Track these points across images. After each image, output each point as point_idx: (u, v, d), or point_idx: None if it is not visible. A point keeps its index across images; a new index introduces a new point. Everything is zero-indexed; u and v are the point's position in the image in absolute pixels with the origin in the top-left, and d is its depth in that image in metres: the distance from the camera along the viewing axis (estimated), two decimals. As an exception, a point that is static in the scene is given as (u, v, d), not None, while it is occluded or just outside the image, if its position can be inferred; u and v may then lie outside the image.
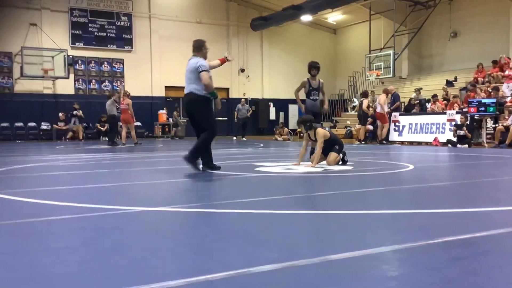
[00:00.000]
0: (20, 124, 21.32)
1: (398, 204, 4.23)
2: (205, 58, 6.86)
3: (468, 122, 13.89)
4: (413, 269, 2.29)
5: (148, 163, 9.11)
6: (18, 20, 21.51)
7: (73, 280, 2.14)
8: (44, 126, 21.67)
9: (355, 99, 24.84)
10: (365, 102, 17.07)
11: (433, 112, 16.28)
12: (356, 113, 19.71)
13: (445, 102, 17.00)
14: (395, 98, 16.99)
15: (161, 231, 3.18)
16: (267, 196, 4.53)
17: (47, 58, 21.10)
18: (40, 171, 7.45)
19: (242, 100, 22.46)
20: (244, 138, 21.30)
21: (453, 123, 14.42)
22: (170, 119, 23.62)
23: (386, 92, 16.36)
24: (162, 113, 23.67)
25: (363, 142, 16.45)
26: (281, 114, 27.24)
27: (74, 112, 21.22)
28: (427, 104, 17.57)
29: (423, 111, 17.16)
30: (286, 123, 25.68)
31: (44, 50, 21.21)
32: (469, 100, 14.79)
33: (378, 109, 16.01)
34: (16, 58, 21.37)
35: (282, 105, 27.46)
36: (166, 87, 24.78)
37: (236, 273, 2.19)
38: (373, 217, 3.62)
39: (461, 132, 13.64)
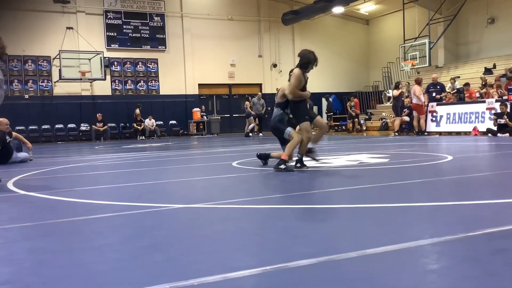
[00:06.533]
0: (60, 125, 21.92)
1: (438, 196, 4.15)
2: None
3: (508, 110, 13.46)
4: (453, 262, 2.24)
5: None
6: (55, 25, 22.09)
7: (114, 277, 2.20)
8: (83, 127, 22.22)
9: (390, 90, 24.43)
10: (396, 93, 16.95)
11: (472, 101, 15.82)
12: (391, 104, 19.41)
13: (484, 90, 16.52)
14: (442, 87, 16.90)
15: (199, 227, 3.22)
16: (302, 191, 4.52)
17: (84, 61, 21.60)
18: (81, 171, 7.65)
19: (259, 94, 21.66)
20: (261, 134, 20.49)
21: (493, 111, 14.00)
22: (205, 117, 23.75)
23: (418, 82, 16.03)
24: (196, 111, 23.87)
25: (396, 134, 16.13)
26: (315, 108, 27.02)
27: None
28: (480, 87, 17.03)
29: (460, 100, 16.73)
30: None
31: (81, 53, 21.72)
32: (509, 87, 14.33)
33: (414, 100, 15.71)
34: (55, 61, 21.96)
35: (314, 99, 27.16)
36: (199, 85, 24.98)
37: (273, 268, 2.20)
38: (412, 209, 3.56)
39: (502, 121, 13.23)
